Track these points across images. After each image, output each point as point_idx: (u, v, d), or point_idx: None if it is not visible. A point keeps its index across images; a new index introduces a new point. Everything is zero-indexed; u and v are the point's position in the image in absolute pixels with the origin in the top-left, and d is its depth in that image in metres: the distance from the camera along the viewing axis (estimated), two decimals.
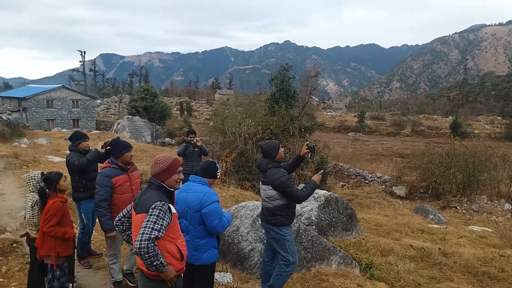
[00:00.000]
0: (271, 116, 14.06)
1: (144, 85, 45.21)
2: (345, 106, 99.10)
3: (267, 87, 18.67)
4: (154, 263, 2.91)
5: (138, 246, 2.87)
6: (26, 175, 4.55)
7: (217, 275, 5.42)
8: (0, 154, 12.26)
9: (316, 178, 4.75)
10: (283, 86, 15.32)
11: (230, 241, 6.19)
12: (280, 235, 4.71)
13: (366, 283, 5.74)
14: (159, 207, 2.99)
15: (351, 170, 21.28)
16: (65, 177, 4.57)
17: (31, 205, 4.40)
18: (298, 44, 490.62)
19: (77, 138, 5.90)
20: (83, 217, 5.83)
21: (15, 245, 6.33)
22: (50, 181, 4.35)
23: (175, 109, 59.84)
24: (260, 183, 4.96)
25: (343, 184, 19.31)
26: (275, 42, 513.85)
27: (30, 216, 4.42)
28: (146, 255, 2.87)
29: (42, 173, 4.45)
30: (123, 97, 61.58)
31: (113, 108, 60.80)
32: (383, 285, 5.90)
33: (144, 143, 23.62)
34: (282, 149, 4.90)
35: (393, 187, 17.07)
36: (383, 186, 18.02)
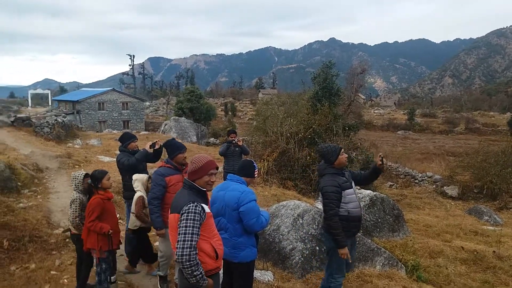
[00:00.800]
0: (314, 115, 13.87)
1: (190, 87, 46.32)
2: (394, 103, 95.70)
3: (311, 85, 18.45)
4: (195, 273, 2.92)
5: (180, 253, 2.90)
6: (72, 174, 4.85)
7: (257, 273, 5.41)
8: (55, 154, 13.03)
9: (343, 251, 4.32)
10: (326, 84, 15.07)
11: (270, 240, 6.16)
12: (331, 244, 4.47)
13: (413, 285, 5.49)
14: (193, 210, 2.99)
15: (400, 169, 20.53)
16: (109, 176, 4.75)
17: (70, 203, 4.74)
18: (343, 41, 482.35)
19: (126, 139, 6.13)
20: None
21: (67, 240, 6.68)
22: (94, 179, 4.60)
23: (219, 109, 60.82)
24: None
25: (391, 184, 18.66)
26: (320, 40, 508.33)
27: (69, 213, 4.77)
28: (187, 263, 2.89)
29: (87, 173, 4.70)
30: (170, 99, 63.48)
31: (161, 109, 62.81)
32: None
33: (189, 143, 24.22)
34: (344, 155, 4.51)
35: (445, 187, 16.27)
36: (434, 186, 17.22)
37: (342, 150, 4.55)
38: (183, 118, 32.90)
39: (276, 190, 11.18)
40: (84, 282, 4.75)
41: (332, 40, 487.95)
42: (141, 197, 5.21)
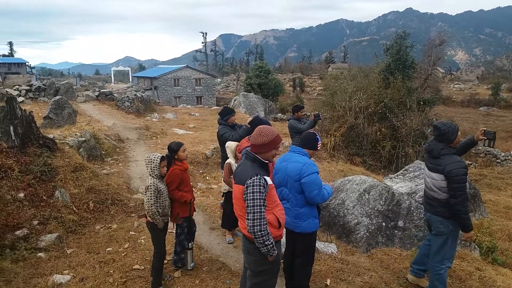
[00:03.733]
0: (385, 89, 13.26)
1: (259, 62, 46.42)
2: (477, 77, 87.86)
3: (384, 58, 17.61)
4: (266, 242, 3.02)
5: (251, 225, 3.01)
6: (147, 157, 4.51)
7: (321, 245, 5.48)
8: (134, 126, 14.03)
9: (469, 235, 4.17)
10: (399, 56, 14.28)
11: (335, 213, 6.17)
12: (448, 229, 4.24)
13: (487, 268, 5.20)
14: (257, 182, 3.04)
15: (480, 148, 19.08)
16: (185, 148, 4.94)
17: (144, 190, 4.43)
18: (421, 11, 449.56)
19: (226, 114, 6.37)
20: None
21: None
22: (171, 150, 4.85)
23: (287, 85, 60.33)
24: (426, 169, 4.36)
25: (470, 163, 17.48)
26: (395, 10, 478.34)
27: (145, 200, 4.43)
28: (259, 233, 3.00)
29: (162, 156, 4.49)
30: (240, 75, 64.28)
31: (232, 86, 63.95)
32: (507, 272, 5.27)
33: None
34: (459, 133, 4.24)
35: None
36: None
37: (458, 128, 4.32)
38: (251, 93, 33.23)
39: (343, 165, 11.02)
40: (159, 273, 4.54)
41: (409, 10, 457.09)
42: (228, 164, 5.47)
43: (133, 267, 4.94)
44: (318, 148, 4.22)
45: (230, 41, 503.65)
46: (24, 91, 21.68)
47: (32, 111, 7.50)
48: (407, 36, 15.04)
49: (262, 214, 3.02)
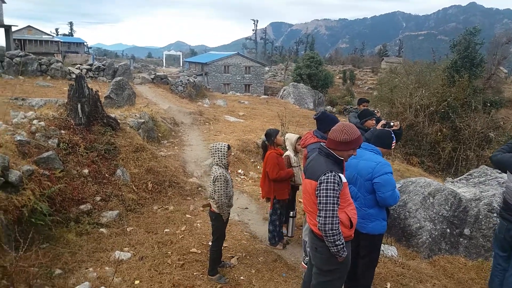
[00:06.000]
0: (449, 87, 12.54)
1: (310, 53, 45.77)
2: None
3: (442, 54, 16.69)
4: (337, 242, 2.92)
5: (322, 223, 2.91)
6: (212, 145, 4.34)
7: (381, 247, 5.28)
8: (188, 111, 14.25)
9: None
10: (467, 53, 13.40)
11: (395, 215, 5.93)
12: None
13: None
14: (332, 180, 2.92)
15: None
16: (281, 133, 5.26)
17: (213, 180, 4.22)
18: (486, 6, 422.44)
19: (365, 116, 6.09)
20: None
21: (200, 188, 7.37)
22: (269, 136, 5.13)
23: (337, 77, 59.01)
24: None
25: None
26: (457, 4, 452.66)
27: (212, 190, 4.28)
28: (330, 232, 2.89)
29: (228, 146, 4.34)
30: (288, 64, 63.74)
31: (279, 75, 63.60)
32: None
33: (306, 110, 24.27)
34: None
35: None
36: None
37: None
38: (301, 84, 32.86)
39: (400, 165, 10.59)
40: (217, 261, 4.50)
41: (472, 4, 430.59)
42: (287, 157, 5.45)
43: (190, 250, 4.99)
44: (392, 147, 4.01)
45: (280, 29, 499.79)
46: (85, 70, 22.66)
47: (98, 91, 7.76)
48: (478, 32, 14.07)
49: (335, 212, 2.91)
